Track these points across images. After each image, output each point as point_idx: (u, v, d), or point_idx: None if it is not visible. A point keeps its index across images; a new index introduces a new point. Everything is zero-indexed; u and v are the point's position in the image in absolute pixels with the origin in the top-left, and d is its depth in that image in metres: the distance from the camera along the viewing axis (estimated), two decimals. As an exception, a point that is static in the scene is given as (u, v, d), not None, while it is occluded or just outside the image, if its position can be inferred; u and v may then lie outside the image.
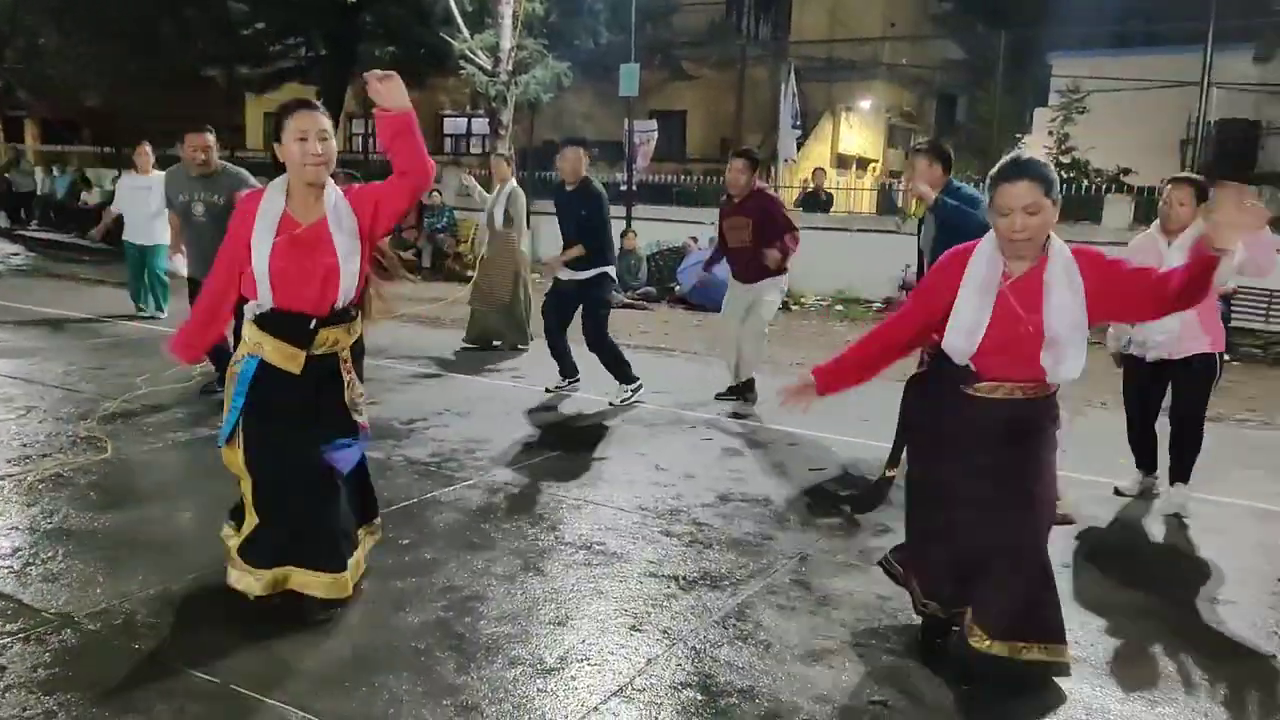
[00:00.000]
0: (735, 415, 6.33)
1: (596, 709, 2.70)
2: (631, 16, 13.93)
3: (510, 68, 13.46)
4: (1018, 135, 19.54)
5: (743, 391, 6.60)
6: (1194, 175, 4.56)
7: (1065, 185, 13.38)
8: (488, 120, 14.50)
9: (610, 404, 6.43)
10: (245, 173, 6.08)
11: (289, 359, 3.04)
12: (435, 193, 15.16)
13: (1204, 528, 4.47)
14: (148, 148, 9.46)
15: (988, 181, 2.78)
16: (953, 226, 4.68)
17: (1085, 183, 13.80)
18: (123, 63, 17.92)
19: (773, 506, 4.53)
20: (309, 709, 2.63)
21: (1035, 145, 19.93)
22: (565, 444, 5.56)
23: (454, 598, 3.36)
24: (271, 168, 3.18)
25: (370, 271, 3.18)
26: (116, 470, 4.64)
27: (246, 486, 3.10)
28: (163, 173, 9.19)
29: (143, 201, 9.14)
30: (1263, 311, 10.06)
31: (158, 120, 19.96)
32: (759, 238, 6.26)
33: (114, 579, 3.38)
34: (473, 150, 21.94)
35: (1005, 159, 2.79)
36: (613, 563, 3.75)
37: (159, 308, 9.55)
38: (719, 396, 6.66)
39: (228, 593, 3.15)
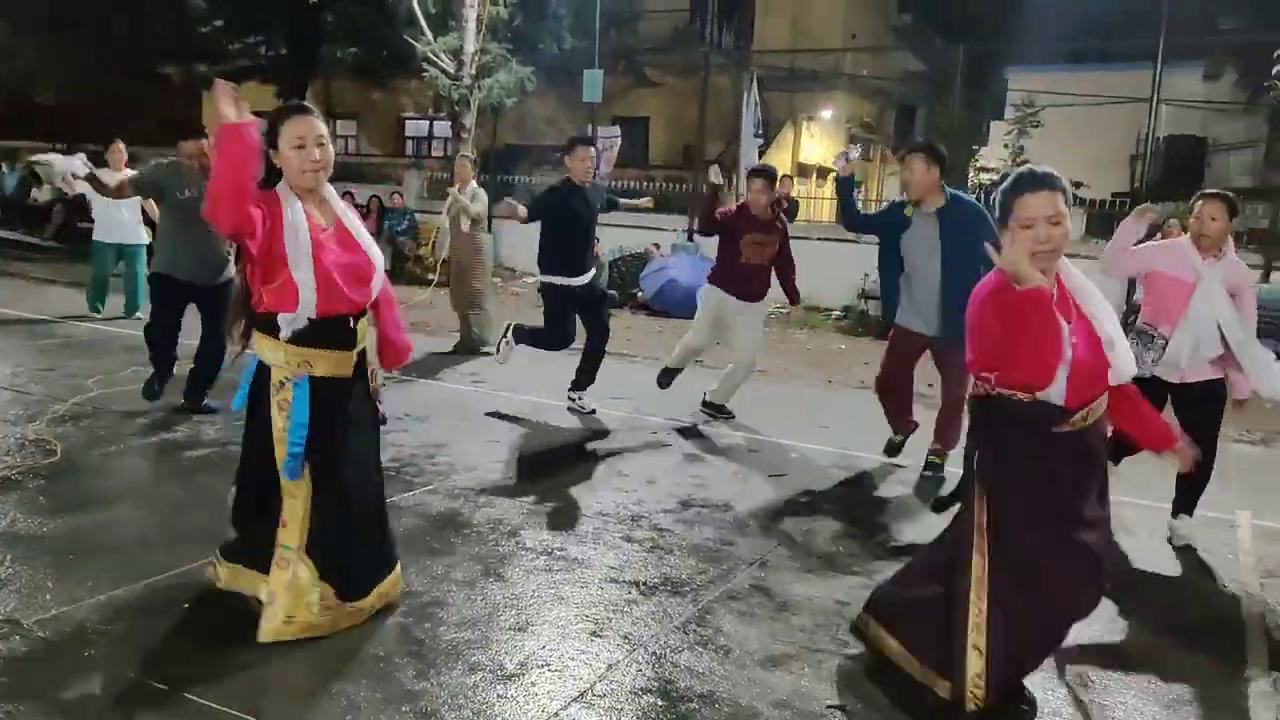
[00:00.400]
0: (697, 421, 6.35)
1: (557, 715, 2.70)
2: (595, 22, 13.96)
3: (473, 71, 13.40)
4: (974, 147, 19.86)
5: (720, 412, 6.43)
6: (1223, 191, 4.35)
7: (1020, 197, 13.62)
8: (450, 123, 14.41)
9: (591, 410, 6.40)
10: None
11: (340, 364, 2.99)
12: (396, 194, 15.06)
13: (1150, 534, 4.57)
14: (121, 145, 9.23)
15: (999, 196, 2.64)
16: (964, 238, 4.60)
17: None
18: (76, 58, 17.56)
19: (733, 512, 4.56)
20: (264, 717, 2.60)
21: (991, 157, 20.30)
22: (525, 449, 5.55)
23: (413, 604, 3.34)
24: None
25: None
26: (66, 474, 4.55)
27: (299, 521, 2.98)
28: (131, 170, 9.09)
29: (118, 201, 8.93)
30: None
31: (112, 117, 19.58)
32: (781, 257, 6.26)
33: (63, 584, 3.31)
34: (434, 153, 21.82)
35: (1020, 171, 2.67)
36: (573, 569, 3.75)
37: (136, 308, 9.33)
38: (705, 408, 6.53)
39: (189, 599, 3.10)
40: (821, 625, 3.37)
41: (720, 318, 6.33)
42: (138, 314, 9.25)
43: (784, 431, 6.15)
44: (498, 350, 6.62)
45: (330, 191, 3.05)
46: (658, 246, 13.27)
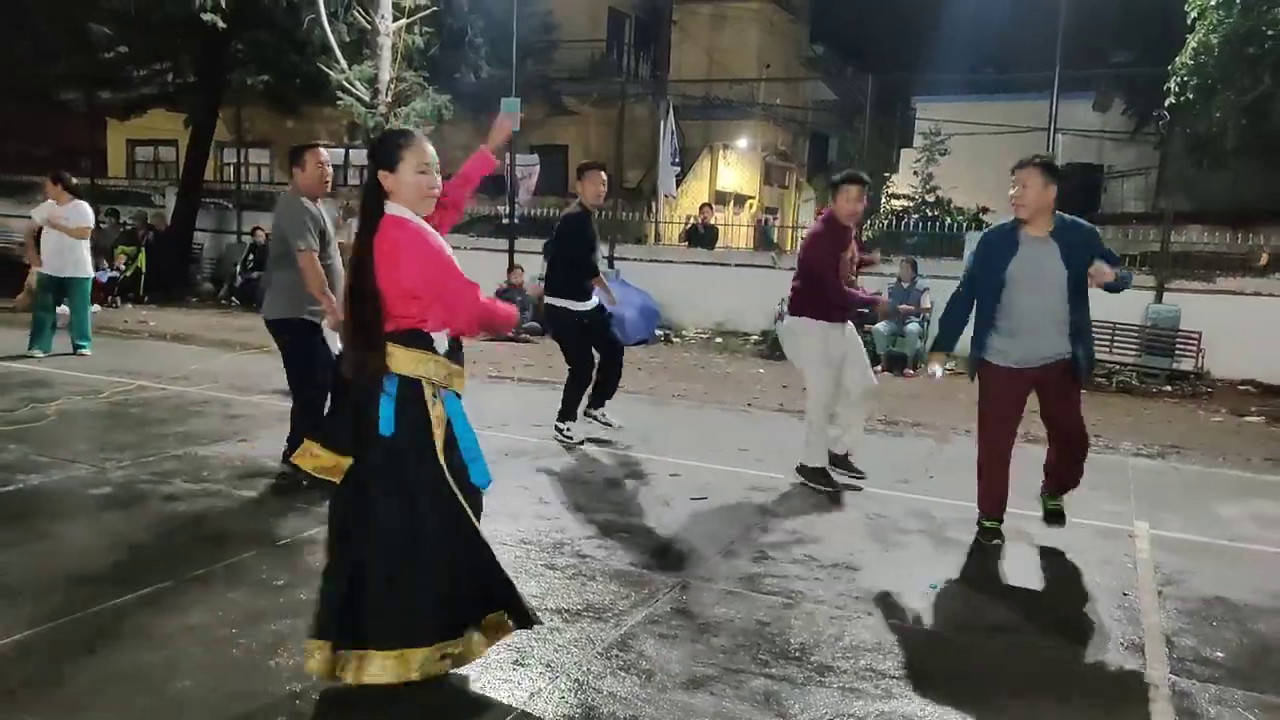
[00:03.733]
0: (617, 448, 6.38)
1: (479, 745, 2.68)
2: (513, 52, 14.02)
3: (389, 99, 13.32)
4: (885, 174, 20.46)
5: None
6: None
7: (930, 223, 14.09)
8: (366, 151, 14.30)
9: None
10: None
11: (462, 381, 3.02)
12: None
13: (1053, 545, 4.74)
14: (52, 181, 9.00)
15: None
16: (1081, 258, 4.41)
17: (948, 220, 14.51)
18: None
19: (654, 537, 4.59)
20: (177, 760, 2.53)
21: (902, 184, 20.93)
22: (447, 479, 5.49)
23: (332, 639, 3.28)
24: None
25: None
26: (-38, 516, 4.35)
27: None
28: (82, 201, 8.87)
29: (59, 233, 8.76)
30: (1106, 343, 10.76)
31: (11, 144, 18.85)
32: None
33: (-40, 632, 3.17)
34: (350, 181, 21.52)
35: None
36: (495, 598, 3.72)
37: (80, 338, 9.03)
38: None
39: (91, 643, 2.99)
40: (742, 645, 3.41)
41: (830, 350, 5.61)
42: (85, 350, 8.93)
43: (704, 455, 6.22)
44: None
45: None
46: (578, 273, 13.29)
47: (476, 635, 2.97)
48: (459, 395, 2.98)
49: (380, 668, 2.76)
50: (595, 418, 6.66)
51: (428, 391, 2.87)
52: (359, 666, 2.77)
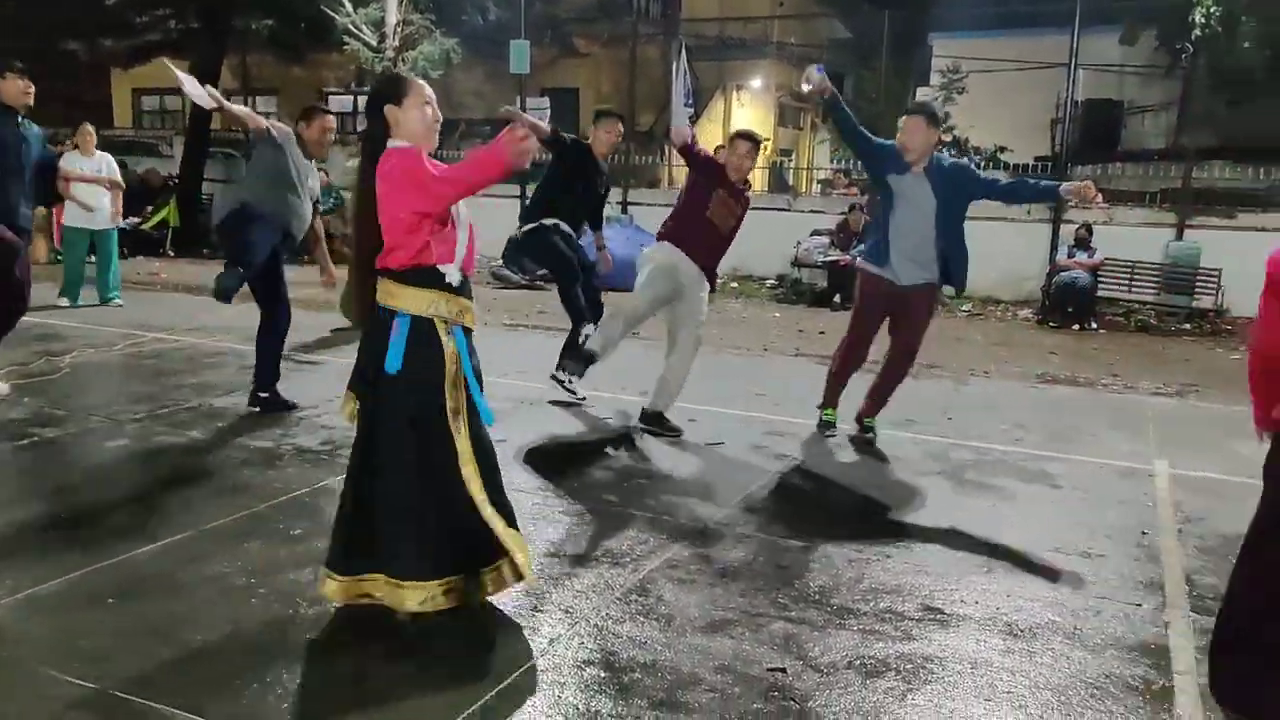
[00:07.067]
0: (635, 394, 6.36)
1: (501, 691, 2.69)
2: (520, -8, 13.76)
3: (396, 43, 13.11)
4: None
5: (662, 425, 5.47)
6: None
7: (946, 162, 13.84)
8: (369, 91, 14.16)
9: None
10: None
11: (472, 316, 3.03)
12: (321, 171, 14.72)
13: (1073, 485, 4.72)
14: (90, 128, 9.09)
15: None
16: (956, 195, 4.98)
17: (965, 160, 14.28)
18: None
19: (671, 482, 4.58)
20: (198, 711, 2.54)
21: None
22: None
23: (350, 587, 3.29)
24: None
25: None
26: (-19, 469, 4.37)
27: (474, 475, 2.97)
28: (107, 154, 9.10)
29: (89, 184, 8.87)
30: (1125, 281, 10.62)
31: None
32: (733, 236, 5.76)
33: (-18, 584, 3.20)
34: (359, 128, 21.32)
35: None
36: (513, 545, 3.73)
37: (111, 290, 9.15)
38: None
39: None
40: (761, 589, 3.41)
41: (676, 282, 5.45)
42: (118, 301, 9.03)
43: (719, 400, 6.19)
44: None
45: None
46: (591, 219, 13.18)
47: (477, 579, 3.06)
48: (468, 331, 3.01)
49: (386, 594, 2.96)
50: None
51: (441, 329, 2.92)
52: (371, 590, 2.98)
